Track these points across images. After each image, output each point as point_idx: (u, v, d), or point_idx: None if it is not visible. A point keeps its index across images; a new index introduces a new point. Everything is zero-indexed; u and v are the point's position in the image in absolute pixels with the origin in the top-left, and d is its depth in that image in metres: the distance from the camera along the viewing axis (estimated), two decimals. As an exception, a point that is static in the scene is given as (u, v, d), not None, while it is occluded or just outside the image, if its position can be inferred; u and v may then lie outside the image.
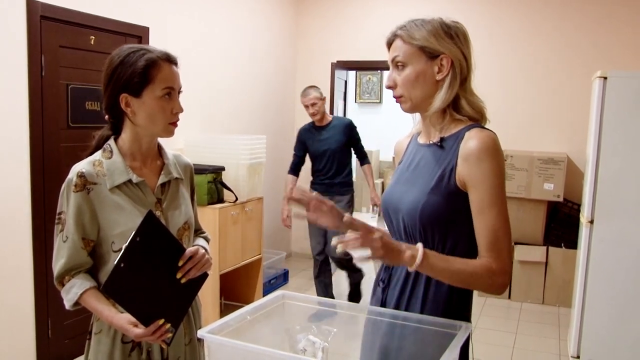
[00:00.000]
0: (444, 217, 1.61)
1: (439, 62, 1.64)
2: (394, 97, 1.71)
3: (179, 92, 1.86)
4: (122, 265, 1.58)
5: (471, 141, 1.58)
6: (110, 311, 1.74)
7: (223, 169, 4.83)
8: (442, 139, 1.67)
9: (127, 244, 1.59)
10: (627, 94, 3.89)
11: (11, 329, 3.66)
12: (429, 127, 1.73)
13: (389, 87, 1.72)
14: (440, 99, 1.64)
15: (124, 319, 1.71)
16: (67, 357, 4.01)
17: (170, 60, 1.84)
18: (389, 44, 1.72)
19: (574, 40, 5.94)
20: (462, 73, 1.65)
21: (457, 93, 1.66)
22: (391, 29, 1.72)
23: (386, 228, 1.83)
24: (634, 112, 3.87)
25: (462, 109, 1.66)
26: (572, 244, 5.44)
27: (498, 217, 1.55)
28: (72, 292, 1.79)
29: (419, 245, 1.51)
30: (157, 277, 1.69)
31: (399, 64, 1.67)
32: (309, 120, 7.46)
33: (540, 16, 6.03)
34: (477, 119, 1.68)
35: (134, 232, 1.59)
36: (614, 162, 3.92)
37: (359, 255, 1.46)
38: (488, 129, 1.63)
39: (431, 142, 1.71)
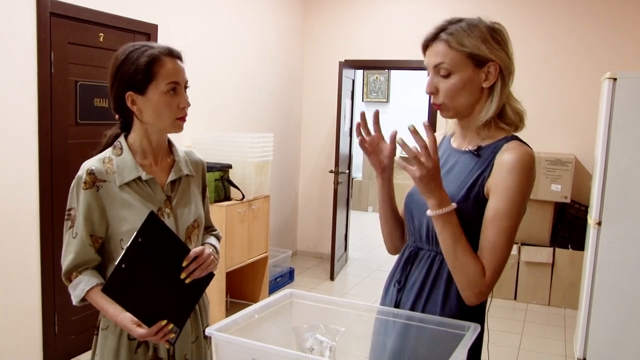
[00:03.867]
0: (470, 226, 1.58)
1: (487, 69, 1.58)
2: (434, 104, 1.64)
3: (186, 86, 1.84)
4: (123, 266, 1.57)
5: (508, 154, 1.55)
6: (115, 309, 1.72)
7: (230, 166, 4.83)
8: (479, 147, 1.63)
9: (128, 244, 1.58)
10: (637, 95, 3.87)
11: (18, 325, 3.67)
12: (467, 132, 1.69)
13: (430, 94, 1.64)
14: (491, 109, 1.59)
15: (127, 318, 1.70)
16: (73, 352, 4.02)
17: (173, 54, 1.81)
18: (426, 47, 1.63)
19: (584, 41, 5.91)
20: (508, 79, 1.61)
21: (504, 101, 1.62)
22: (430, 31, 1.62)
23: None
24: (644, 113, 3.86)
25: (507, 116, 1.62)
26: (579, 245, 5.42)
27: (504, 232, 1.52)
28: (79, 288, 1.79)
29: (453, 204, 1.51)
30: (160, 277, 1.68)
31: (444, 71, 1.59)
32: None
33: (550, 16, 6.01)
34: (517, 125, 1.64)
35: (135, 233, 1.58)
36: (622, 163, 3.90)
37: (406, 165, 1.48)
38: (527, 144, 1.59)
39: (467, 149, 1.67)
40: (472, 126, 1.65)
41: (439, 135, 1.86)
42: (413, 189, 1.76)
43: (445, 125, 1.83)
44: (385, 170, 1.74)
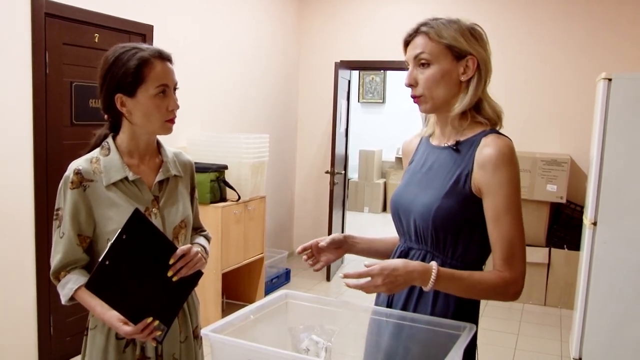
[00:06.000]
0: (457, 222, 1.60)
1: (465, 62, 1.61)
2: (413, 96, 1.67)
3: (175, 88, 1.86)
4: (106, 262, 1.58)
5: (488, 148, 1.57)
6: (102, 307, 1.73)
7: (226, 167, 4.83)
8: (457, 142, 1.66)
9: (112, 241, 1.58)
10: (632, 95, 3.88)
11: (13, 326, 3.66)
12: (446, 129, 1.71)
13: (409, 86, 1.67)
14: (466, 101, 1.62)
15: (114, 316, 1.71)
16: (69, 354, 4.01)
17: (162, 57, 1.83)
18: (408, 42, 1.68)
19: (579, 41, 5.92)
20: (486, 75, 1.64)
21: (480, 95, 1.64)
22: (411, 27, 1.67)
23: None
24: (638, 113, 3.86)
25: (484, 110, 1.65)
26: (575, 245, 5.43)
27: (513, 225, 1.54)
28: (67, 287, 1.81)
29: (433, 265, 1.49)
30: (145, 275, 1.68)
31: (423, 61, 1.63)
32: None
33: (545, 16, 6.01)
34: (495, 122, 1.67)
35: (119, 230, 1.59)
36: (617, 163, 3.91)
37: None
38: (504, 135, 1.62)
39: (446, 144, 1.69)
40: (450, 120, 1.68)
41: (414, 139, 1.88)
42: (397, 192, 1.78)
43: (422, 128, 1.85)
44: (342, 250, 1.84)
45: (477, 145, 1.60)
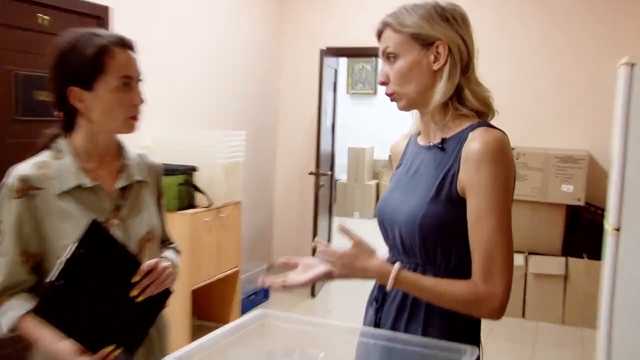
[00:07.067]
0: (446, 229, 1.60)
1: (435, 49, 1.62)
2: (387, 94, 1.70)
3: (138, 80, 1.84)
4: (58, 283, 1.55)
5: (474, 143, 1.57)
6: (52, 337, 1.67)
7: (195, 169, 4.81)
8: (443, 140, 1.66)
9: (65, 257, 1.56)
10: (657, 82, 3.89)
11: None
12: (429, 125, 1.72)
13: (382, 84, 1.70)
14: (440, 91, 1.62)
15: (67, 347, 1.64)
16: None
17: (124, 44, 1.81)
18: (379, 35, 1.71)
19: (597, 22, 5.96)
20: (462, 60, 1.64)
21: (460, 83, 1.64)
22: (380, 18, 1.71)
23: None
24: (665, 103, 3.89)
25: (466, 100, 1.65)
26: (596, 254, 5.44)
27: (495, 230, 1.53)
28: (9, 315, 1.74)
29: (394, 268, 1.56)
30: (105, 295, 1.66)
31: (390, 55, 1.66)
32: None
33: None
34: (484, 112, 1.66)
35: (73, 244, 1.56)
36: (642, 160, 3.93)
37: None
38: (496, 128, 1.61)
39: (432, 143, 1.70)
40: (430, 115, 1.69)
41: (403, 140, 1.90)
42: (382, 199, 1.80)
43: (411, 124, 1.87)
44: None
45: (464, 140, 1.60)
